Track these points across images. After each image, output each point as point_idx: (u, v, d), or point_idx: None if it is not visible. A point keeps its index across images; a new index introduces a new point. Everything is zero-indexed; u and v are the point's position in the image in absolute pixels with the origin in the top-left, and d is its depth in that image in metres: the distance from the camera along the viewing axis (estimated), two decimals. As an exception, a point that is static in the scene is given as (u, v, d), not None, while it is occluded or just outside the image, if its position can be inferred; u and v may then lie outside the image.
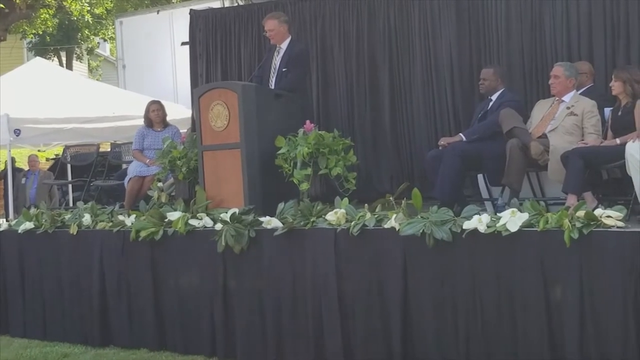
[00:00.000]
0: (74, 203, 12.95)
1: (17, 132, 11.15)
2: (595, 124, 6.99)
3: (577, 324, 5.49)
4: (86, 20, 29.65)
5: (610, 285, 5.38)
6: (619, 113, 6.83)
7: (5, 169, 12.75)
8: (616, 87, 6.78)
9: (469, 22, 9.06)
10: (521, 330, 5.74)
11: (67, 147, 13.11)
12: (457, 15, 9.07)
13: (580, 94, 7.35)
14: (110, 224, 7.85)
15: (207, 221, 7.22)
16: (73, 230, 7.98)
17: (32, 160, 15.25)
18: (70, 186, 14.82)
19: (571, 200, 6.28)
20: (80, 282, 8.01)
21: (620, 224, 5.50)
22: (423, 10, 9.35)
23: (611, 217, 5.51)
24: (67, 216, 8.35)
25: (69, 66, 32.13)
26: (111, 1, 28.11)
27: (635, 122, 6.50)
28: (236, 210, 7.04)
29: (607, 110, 7.16)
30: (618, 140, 6.54)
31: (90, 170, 11.75)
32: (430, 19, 9.29)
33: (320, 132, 7.35)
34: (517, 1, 8.72)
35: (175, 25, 14.52)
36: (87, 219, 8.04)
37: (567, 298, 5.56)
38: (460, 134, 7.65)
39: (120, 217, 7.86)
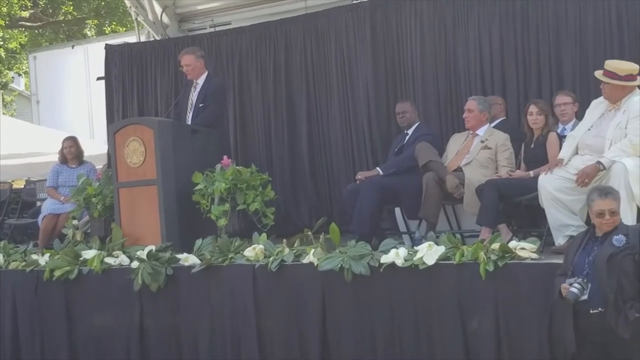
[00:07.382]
0: (-15, 242, 12.62)
1: None
2: (508, 157, 7.11)
3: (494, 355, 5.56)
4: (-1, 54, 29.08)
5: (525, 316, 5.47)
6: (532, 146, 6.96)
7: None
8: (539, 120, 6.89)
9: (384, 56, 9.13)
10: (439, 363, 5.78)
11: (-21, 185, 12.80)
12: (373, 50, 9.12)
13: (493, 126, 7.48)
14: (24, 263, 7.66)
15: (123, 259, 7.11)
16: (-16, 270, 7.77)
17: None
18: (-18, 225, 14.43)
19: (485, 233, 6.37)
20: (-8, 324, 7.79)
21: (534, 255, 5.62)
22: (339, 44, 9.40)
23: (525, 249, 5.62)
24: (-22, 256, 8.12)
25: (-18, 101, 31.41)
26: (25, 36, 27.65)
27: (548, 155, 6.64)
28: (153, 247, 6.97)
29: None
30: (531, 173, 6.65)
31: (3, 208, 11.47)
32: (347, 53, 9.35)
33: (237, 167, 7.32)
34: (431, 35, 8.83)
35: (90, 60, 14.39)
36: (-2, 258, 7.84)
37: (483, 329, 5.63)
38: (377, 167, 7.69)
39: (34, 256, 7.66)
